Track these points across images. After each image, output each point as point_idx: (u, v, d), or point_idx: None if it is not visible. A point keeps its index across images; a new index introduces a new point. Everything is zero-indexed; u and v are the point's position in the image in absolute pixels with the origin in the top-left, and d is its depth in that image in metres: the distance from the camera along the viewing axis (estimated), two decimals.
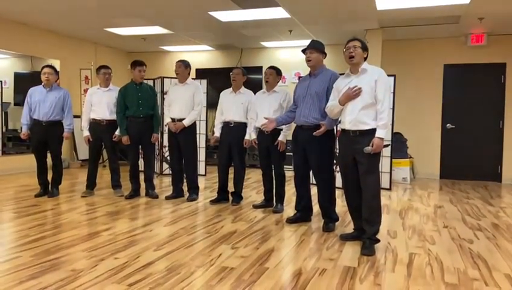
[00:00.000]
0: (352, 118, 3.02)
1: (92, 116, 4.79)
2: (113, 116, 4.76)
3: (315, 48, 3.48)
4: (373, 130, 2.95)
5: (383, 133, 2.94)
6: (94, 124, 4.78)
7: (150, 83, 6.19)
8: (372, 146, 2.91)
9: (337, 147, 3.62)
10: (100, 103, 4.76)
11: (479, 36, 6.64)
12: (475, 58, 6.86)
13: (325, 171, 3.52)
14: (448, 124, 7.08)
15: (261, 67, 7.94)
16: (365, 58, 3.10)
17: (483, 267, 2.72)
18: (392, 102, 3.18)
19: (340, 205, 4.27)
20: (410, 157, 6.76)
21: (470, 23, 6.09)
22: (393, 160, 5.83)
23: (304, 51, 3.53)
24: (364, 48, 3.07)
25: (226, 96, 4.51)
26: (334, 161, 3.64)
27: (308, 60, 3.50)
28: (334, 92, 3.23)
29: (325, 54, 3.55)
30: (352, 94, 3.01)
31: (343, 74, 3.25)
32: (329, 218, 3.59)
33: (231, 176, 4.54)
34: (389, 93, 3.02)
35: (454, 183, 6.61)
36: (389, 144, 3.09)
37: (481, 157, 6.92)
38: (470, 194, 5.62)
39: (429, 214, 4.33)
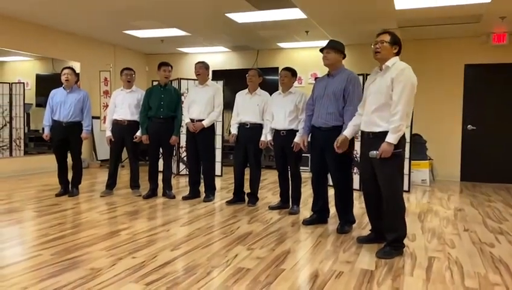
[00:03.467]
0: (367, 119, 2.96)
1: (114, 116, 4.88)
2: (135, 117, 4.84)
3: (332, 48, 3.44)
4: (386, 133, 2.80)
5: (393, 138, 2.76)
6: (116, 125, 4.87)
7: None
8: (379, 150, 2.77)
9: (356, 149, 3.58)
10: (122, 104, 4.84)
11: (501, 36, 6.47)
12: (497, 58, 6.69)
13: (342, 173, 3.49)
14: (469, 125, 6.92)
15: (277, 68, 7.91)
16: (397, 54, 2.91)
17: (505, 272, 2.66)
18: (412, 104, 2.88)
19: (358, 207, 4.22)
20: (430, 159, 6.64)
21: (491, 22, 5.95)
22: (412, 162, 5.74)
23: (321, 50, 3.51)
24: (394, 42, 2.88)
25: (242, 98, 4.52)
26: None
27: (325, 59, 3.46)
28: (364, 92, 3.13)
29: (344, 55, 3.52)
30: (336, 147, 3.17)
31: (361, 74, 3.21)
32: (346, 220, 3.56)
33: (247, 177, 4.55)
34: (408, 95, 2.78)
35: (475, 186, 6.46)
36: (400, 150, 2.85)
37: (503, 159, 6.74)
38: (492, 197, 5.48)
39: (449, 217, 4.25)
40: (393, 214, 2.90)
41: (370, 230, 3.24)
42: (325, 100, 3.48)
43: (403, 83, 2.78)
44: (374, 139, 2.90)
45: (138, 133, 4.80)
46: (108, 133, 4.89)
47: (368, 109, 2.96)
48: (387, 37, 2.88)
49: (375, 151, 2.80)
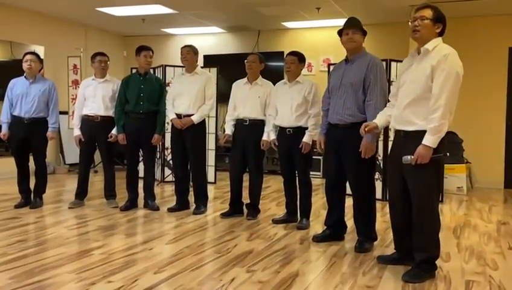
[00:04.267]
0: (397, 114, 2.94)
1: (84, 111, 4.88)
2: (109, 113, 4.84)
3: (360, 28, 3.44)
4: (422, 133, 2.77)
5: (432, 140, 2.72)
6: (86, 121, 4.87)
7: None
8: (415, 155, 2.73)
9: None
10: (94, 96, 4.85)
11: None
12: None
13: (363, 180, 3.49)
14: None
15: (282, 52, 7.90)
16: (440, 34, 2.88)
17: None
18: (456, 98, 2.82)
19: (380, 220, 4.23)
20: (467, 162, 6.65)
21: None
22: (445, 165, 5.74)
23: (340, 32, 3.49)
24: (437, 19, 2.84)
25: (240, 88, 4.53)
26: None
27: (350, 42, 3.44)
28: (397, 80, 3.11)
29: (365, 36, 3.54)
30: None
31: (384, 60, 3.20)
32: (366, 236, 3.57)
33: (246, 184, 4.56)
34: (452, 87, 2.70)
35: None
36: (441, 155, 2.82)
37: None
38: None
39: (491, 232, 4.26)
40: (425, 230, 2.90)
41: (395, 249, 3.24)
42: (342, 92, 3.48)
43: (446, 72, 2.73)
44: (406, 139, 2.89)
45: (113, 132, 4.81)
46: (77, 132, 4.90)
47: (400, 102, 2.94)
48: (428, 12, 2.85)
49: (409, 157, 2.77)
